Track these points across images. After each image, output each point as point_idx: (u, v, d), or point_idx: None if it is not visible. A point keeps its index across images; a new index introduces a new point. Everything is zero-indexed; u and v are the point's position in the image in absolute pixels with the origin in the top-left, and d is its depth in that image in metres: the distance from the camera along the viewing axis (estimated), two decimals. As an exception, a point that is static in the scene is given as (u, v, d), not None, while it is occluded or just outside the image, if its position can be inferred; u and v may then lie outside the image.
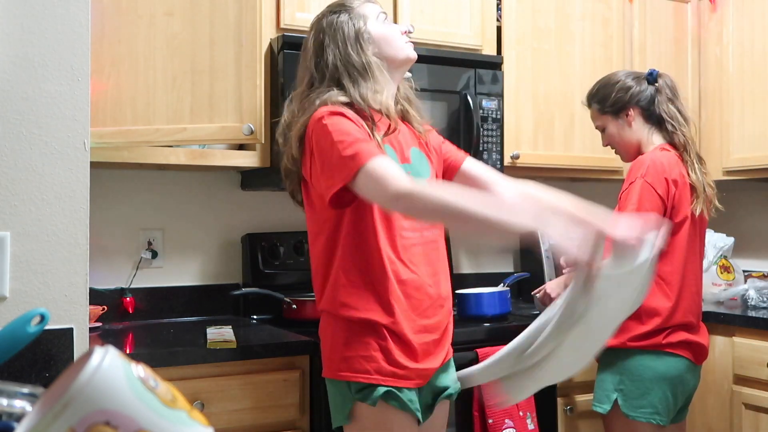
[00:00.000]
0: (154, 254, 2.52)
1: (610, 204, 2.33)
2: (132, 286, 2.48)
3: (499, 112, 2.64)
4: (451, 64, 2.53)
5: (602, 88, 2.31)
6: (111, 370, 0.61)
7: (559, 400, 2.45)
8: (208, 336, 2.06)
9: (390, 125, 1.69)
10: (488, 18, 2.73)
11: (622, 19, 3.01)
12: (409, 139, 1.78)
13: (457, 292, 2.51)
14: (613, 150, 2.36)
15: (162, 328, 2.36)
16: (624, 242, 1.52)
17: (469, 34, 2.68)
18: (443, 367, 1.78)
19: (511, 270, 3.15)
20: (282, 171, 1.76)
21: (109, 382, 0.60)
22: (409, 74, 1.85)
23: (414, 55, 1.78)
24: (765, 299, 2.76)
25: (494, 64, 2.65)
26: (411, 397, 1.68)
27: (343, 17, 1.75)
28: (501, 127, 2.65)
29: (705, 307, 2.29)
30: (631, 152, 2.29)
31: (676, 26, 3.14)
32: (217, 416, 1.90)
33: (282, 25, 2.35)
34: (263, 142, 2.17)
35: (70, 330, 1.35)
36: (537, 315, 2.56)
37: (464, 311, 2.49)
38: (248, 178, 2.60)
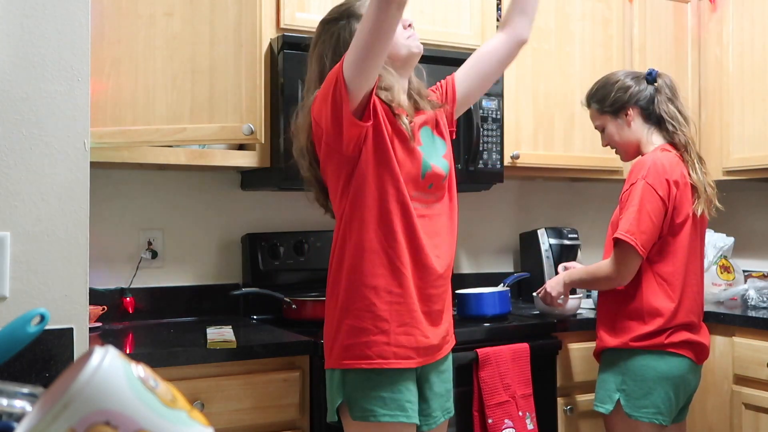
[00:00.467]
0: (154, 254, 2.52)
1: (610, 204, 2.33)
2: (132, 286, 2.48)
3: (499, 112, 2.64)
4: (451, 64, 2.51)
5: (601, 88, 2.31)
6: (111, 370, 0.60)
7: (559, 400, 2.45)
8: (208, 336, 2.06)
9: (406, 114, 1.73)
10: (488, 18, 2.73)
11: (622, 19, 3.01)
12: (419, 121, 1.81)
13: (457, 292, 2.51)
14: (613, 150, 2.36)
15: (162, 328, 2.36)
16: None
17: (469, 34, 2.68)
18: (440, 365, 1.80)
19: (511, 270, 3.15)
20: (304, 180, 1.84)
21: (109, 382, 0.60)
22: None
23: (418, 49, 1.78)
24: (765, 299, 2.76)
25: (494, 64, 2.65)
26: (409, 398, 1.69)
27: (341, 23, 1.76)
28: (501, 127, 2.65)
29: (705, 307, 2.29)
30: (631, 152, 2.29)
31: (676, 26, 3.14)
32: (217, 416, 1.90)
33: (282, 25, 2.35)
34: (263, 142, 2.17)
35: (70, 330, 1.35)
36: (537, 315, 2.58)
37: (464, 311, 2.49)
38: (248, 178, 2.60)
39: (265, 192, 2.67)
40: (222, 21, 1.92)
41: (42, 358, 1.31)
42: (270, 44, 2.33)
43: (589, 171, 2.96)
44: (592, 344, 2.28)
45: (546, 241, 2.94)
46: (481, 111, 2.58)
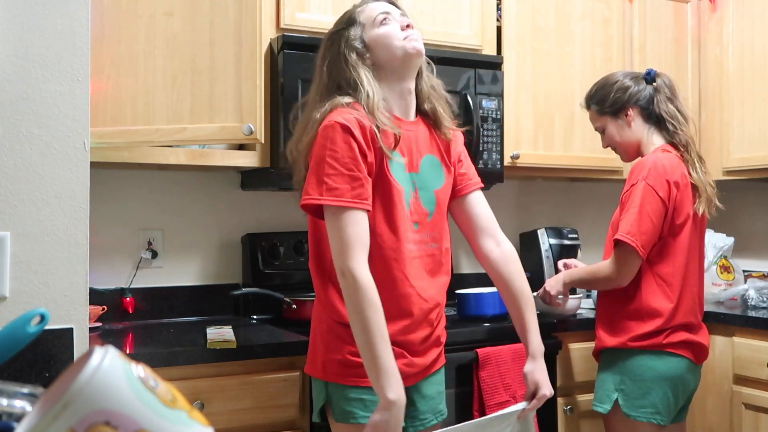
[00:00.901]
0: (154, 254, 2.53)
1: (610, 204, 2.33)
2: (132, 286, 2.48)
3: (499, 112, 2.64)
4: (451, 64, 2.53)
5: (600, 89, 2.31)
6: (111, 370, 0.60)
7: (560, 400, 2.45)
8: (208, 336, 2.06)
9: (395, 135, 1.66)
10: (488, 18, 2.73)
11: (622, 19, 3.01)
12: (424, 145, 1.75)
13: (457, 292, 2.51)
14: (614, 151, 2.36)
15: (162, 328, 2.36)
16: None
17: (469, 34, 2.68)
18: (426, 382, 1.79)
19: (511, 270, 3.14)
20: (295, 185, 1.76)
21: (109, 382, 0.60)
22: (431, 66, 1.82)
23: (414, 49, 1.70)
24: (765, 299, 2.76)
25: (494, 64, 2.65)
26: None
27: (342, 33, 1.73)
28: (501, 127, 2.64)
29: (705, 307, 2.29)
30: (631, 152, 2.29)
31: (676, 26, 3.14)
32: (217, 416, 1.90)
33: (282, 25, 2.35)
34: (263, 142, 2.17)
35: (70, 330, 1.35)
36: (537, 315, 2.57)
37: (464, 311, 2.49)
38: (248, 178, 2.60)
39: (265, 192, 2.67)
40: (222, 21, 1.92)
41: (42, 358, 1.31)
42: (270, 44, 2.33)
43: (589, 171, 2.96)
44: (592, 344, 2.28)
45: (546, 241, 2.94)
46: (481, 111, 2.58)
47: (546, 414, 2.37)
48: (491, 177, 2.65)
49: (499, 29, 2.77)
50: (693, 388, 2.19)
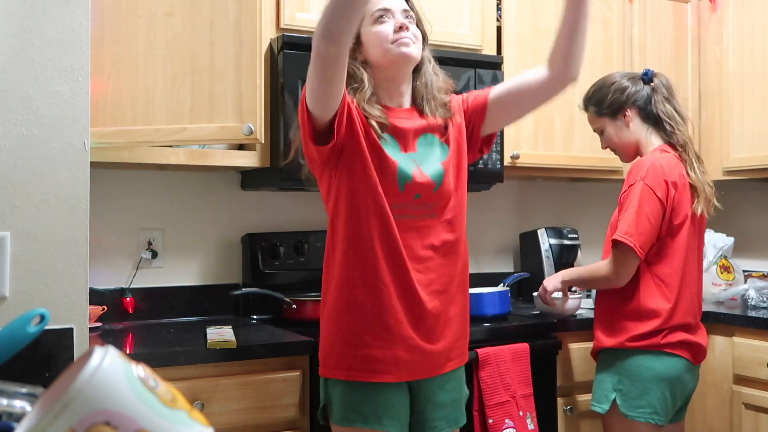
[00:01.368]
0: (154, 254, 2.53)
1: (610, 204, 2.33)
2: (132, 286, 2.48)
3: (499, 112, 2.63)
4: (451, 64, 2.50)
5: (598, 91, 2.31)
6: (111, 370, 0.60)
7: (560, 400, 2.45)
8: (208, 336, 2.06)
9: (382, 124, 1.69)
10: (488, 18, 2.73)
11: (622, 19, 3.01)
12: (418, 127, 1.75)
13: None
14: (613, 152, 2.36)
15: (162, 328, 2.36)
16: None
17: (469, 34, 2.68)
18: (437, 389, 1.74)
19: (511, 270, 3.15)
20: (304, 173, 1.81)
21: (109, 382, 0.60)
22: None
23: (401, 55, 1.69)
24: (765, 299, 2.76)
25: (494, 64, 2.65)
26: (388, 408, 1.66)
27: None
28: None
29: (705, 307, 2.29)
30: (630, 153, 2.29)
31: (676, 26, 3.14)
32: (217, 416, 1.90)
33: (282, 25, 2.35)
34: (263, 142, 2.17)
35: (70, 330, 1.35)
36: (537, 315, 2.58)
37: (464, 311, 2.49)
38: (248, 178, 2.60)
39: (265, 192, 2.67)
40: (222, 21, 1.92)
41: (42, 358, 1.31)
42: (270, 44, 2.33)
43: (589, 171, 2.96)
44: (592, 344, 2.28)
45: (546, 241, 2.94)
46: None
47: (546, 414, 2.37)
48: (491, 177, 2.65)
49: (499, 29, 2.77)
50: (691, 388, 2.19)
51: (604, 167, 2.92)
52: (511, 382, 2.24)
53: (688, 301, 2.15)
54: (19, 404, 0.84)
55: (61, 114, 1.37)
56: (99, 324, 2.31)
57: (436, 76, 1.80)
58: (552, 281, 2.38)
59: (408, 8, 1.74)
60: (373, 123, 1.67)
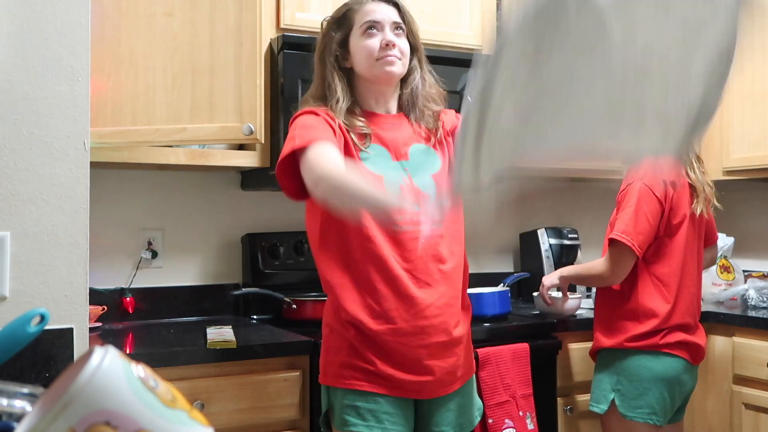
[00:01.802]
0: (154, 254, 2.52)
1: (610, 204, 2.33)
2: (132, 286, 2.48)
3: (499, 112, 2.63)
4: (451, 64, 2.51)
5: None
6: (111, 370, 0.60)
7: (559, 400, 2.45)
8: (208, 336, 2.06)
9: (365, 134, 1.68)
10: (488, 18, 2.73)
11: (622, 19, 3.00)
12: (409, 136, 1.74)
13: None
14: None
15: (162, 328, 2.36)
16: None
17: (469, 34, 2.68)
18: (442, 404, 1.71)
19: (511, 270, 3.15)
20: None
21: (109, 382, 0.60)
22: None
23: (385, 73, 1.69)
24: (765, 299, 2.76)
25: (494, 64, 2.65)
26: (388, 410, 1.63)
27: (329, 32, 1.74)
28: (501, 127, 2.64)
29: (705, 307, 2.29)
30: (631, 153, 2.29)
31: (676, 26, 3.13)
32: (217, 416, 1.90)
33: (282, 25, 2.35)
34: (263, 142, 2.17)
35: (70, 330, 1.35)
36: (537, 315, 2.58)
37: (464, 311, 2.49)
38: (248, 178, 2.60)
39: (265, 192, 2.67)
40: (222, 21, 1.92)
41: (42, 358, 1.31)
42: (270, 44, 2.33)
43: (589, 171, 2.95)
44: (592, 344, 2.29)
45: (546, 241, 2.94)
46: (481, 111, 2.58)
47: (546, 414, 2.37)
48: (491, 177, 2.64)
49: (499, 29, 2.76)
50: (690, 388, 2.19)
51: (604, 167, 2.92)
52: (511, 382, 2.24)
53: (686, 302, 2.15)
54: (19, 404, 0.84)
55: (61, 114, 1.37)
56: (99, 324, 2.31)
57: (423, 82, 1.77)
58: (550, 278, 2.39)
59: (399, 20, 1.72)
60: (353, 136, 1.66)
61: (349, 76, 1.73)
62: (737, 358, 2.58)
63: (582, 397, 2.47)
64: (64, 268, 1.36)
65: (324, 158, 1.51)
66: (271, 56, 2.33)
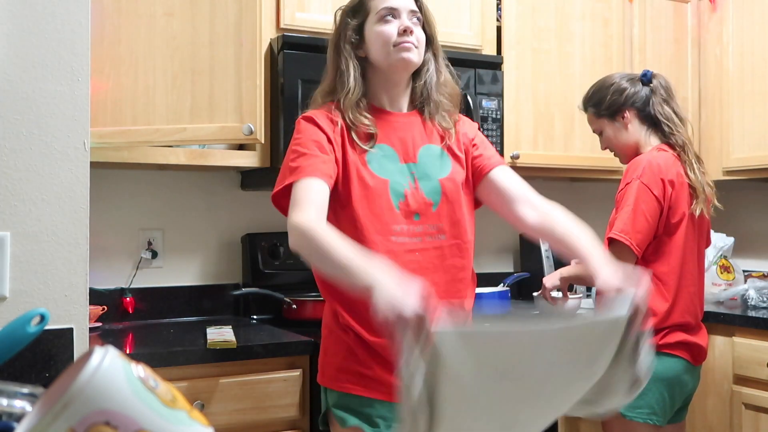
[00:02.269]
0: (154, 254, 2.53)
1: (610, 204, 2.33)
2: (132, 286, 2.48)
3: (499, 112, 2.64)
4: (451, 64, 2.52)
5: (597, 92, 2.31)
6: (111, 370, 0.61)
7: (559, 400, 2.44)
8: (208, 336, 2.06)
9: (370, 133, 1.64)
10: (488, 18, 2.73)
11: (622, 19, 3.01)
12: (420, 136, 1.69)
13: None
14: (612, 153, 2.36)
15: (162, 328, 2.36)
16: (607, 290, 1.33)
17: (469, 34, 2.68)
18: None
19: (511, 270, 3.15)
20: None
21: (109, 382, 0.60)
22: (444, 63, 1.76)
23: (401, 61, 1.65)
24: (765, 299, 2.76)
25: (494, 64, 2.65)
26: (383, 414, 1.60)
27: (345, 19, 1.70)
28: (501, 127, 2.65)
29: (705, 307, 2.29)
30: (629, 154, 2.29)
31: (676, 26, 3.14)
32: (217, 416, 1.90)
33: (282, 25, 2.35)
34: (263, 142, 2.17)
35: (70, 330, 1.35)
36: (537, 315, 2.57)
37: (464, 311, 2.49)
38: (248, 178, 2.60)
39: (265, 192, 2.66)
40: (222, 21, 1.92)
41: (42, 358, 1.31)
42: (270, 44, 2.33)
43: (589, 171, 2.96)
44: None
45: (546, 242, 2.94)
46: (481, 111, 2.58)
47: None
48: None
49: (499, 29, 2.77)
50: (691, 389, 2.19)
51: (604, 167, 2.92)
52: (511, 382, 2.23)
53: (686, 301, 2.15)
54: (19, 404, 0.84)
55: (61, 114, 1.37)
56: (99, 324, 2.31)
57: (438, 75, 1.73)
58: (551, 279, 2.38)
59: (416, 8, 1.69)
60: (355, 136, 1.62)
61: (364, 66, 1.69)
62: (737, 358, 2.58)
63: (582, 397, 2.47)
64: (64, 268, 1.37)
65: (308, 206, 1.50)
66: (271, 56, 2.33)
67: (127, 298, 2.44)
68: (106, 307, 2.33)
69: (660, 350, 2.10)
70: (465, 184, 1.72)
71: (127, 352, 1.94)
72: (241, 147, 2.37)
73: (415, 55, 1.66)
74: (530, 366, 1.14)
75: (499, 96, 2.65)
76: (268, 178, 2.41)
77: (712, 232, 3.01)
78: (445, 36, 2.60)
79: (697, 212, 2.16)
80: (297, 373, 2.03)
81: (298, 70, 2.24)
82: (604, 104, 2.27)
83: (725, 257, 3.04)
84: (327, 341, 1.71)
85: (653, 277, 2.12)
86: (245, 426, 1.97)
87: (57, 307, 1.35)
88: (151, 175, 2.53)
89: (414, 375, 1.07)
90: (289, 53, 2.26)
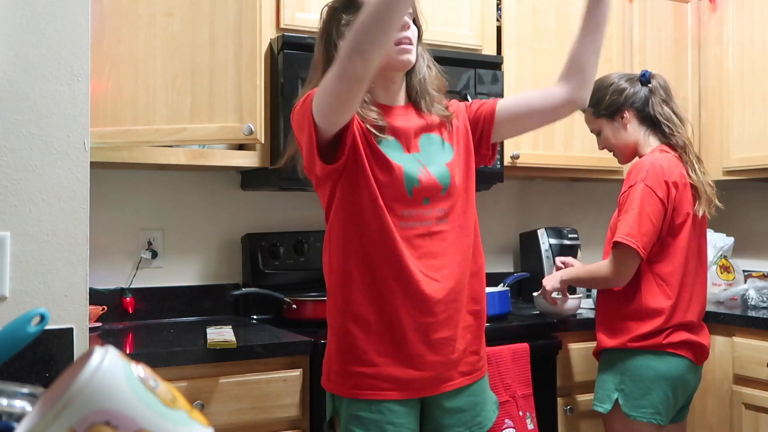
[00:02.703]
0: (154, 254, 2.53)
1: (610, 204, 2.33)
2: (132, 286, 2.48)
3: (499, 112, 2.63)
4: (451, 64, 2.52)
5: (596, 92, 2.29)
6: (111, 370, 0.60)
7: (559, 400, 2.45)
8: (208, 336, 2.06)
9: (377, 124, 1.63)
10: (488, 18, 2.73)
11: (622, 19, 3.01)
12: (418, 127, 1.70)
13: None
14: (610, 153, 2.36)
15: (162, 328, 2.36)
16: None
17: (469, 34, 2.68)
18: (450, 397, 1.67)
19: (511, 270, 3.15)
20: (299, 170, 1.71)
21: (109, 382, 0.60)
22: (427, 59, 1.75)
23: (400, 63, 1.64)
24: (765, 299, 2.76)
25: (494, 64, 2.65)
26: (392, 420, 1.60)
27: (336, 14, 1.67)
28: (501, 127, 2.64)
29: (706, 307, 2.29)
30: (628, 154, 2.29)
31: (676, 26, 3.14)
32: (217, 416, 1.90)
33: (282, 25, 2.35)
34: (263, 142, 2.17)
35: (70, 330, 1.35)
36: (537, 315, 2.58)
37: (464, 311, 2.49)
38: (248, 178, 2.60)
39: (265, 192, 2.67)
40: (222, 21, 1.92)
41: (42, 358, 1.31)
42: (270, 44, 2.33)
43: (589, 171, 2.96)
44: (592, 344, 2.28)
45: (546, 241, 2.94)
46: (481, 111, 2.58)
47: (546, 414, 2.37)
48: (491, 177, 2.65)
49: (499, 29, 2.77)
50: (693, 388, 2.19)
51: (603, 167, 2.92)
52: (511, 382, 2.24)
53: (689, 301, 2.15)
54: (19, 404, 0.84)
55: (61, 114, 1.37)
56: (99, 324, 2.31)
57: (429, 71, 1.75)
58: (551, 281, 2.38)
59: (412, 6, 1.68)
60: (370, 127, 1.62)
61: None
62: (737, 358, 2.58)
63: (582, 397, 2.47)
64: (64, 268, 1.37)
65: None
66: (271, 56, 2.33)
67: (127, 298, 2.45)
68: (106, 307, 2.34)
69: (664, 350, 2.10)
70: (467, 169, 1.75)
71: (127, 352, 1.94)
72: (241, 147, 2.37)
73: (413, 54, 1.67)
74: None
75: (499, 96, 2.64)
76: (268, 178, 2.41)
77: (712, 232, 3.02)
78: (445, 36, 2.61)
79: (700, 213, 2.16)
80: (297, 373, 2.03)
81: (298, 70, 2.24)
82: (603, 104, 2.26)
83: (725, 257, 3.04)
84: (331, 343, 1.68)
85: (657, 277, 2.12)
86: (245, 426, 1.97)
87: (57, 307, 1.35)
88: (151, 175, 2.53)
89: None
90: (289, 53, 2.26)
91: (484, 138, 1.79)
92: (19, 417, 0.82)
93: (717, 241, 3.04)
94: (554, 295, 2.42)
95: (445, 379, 1.65)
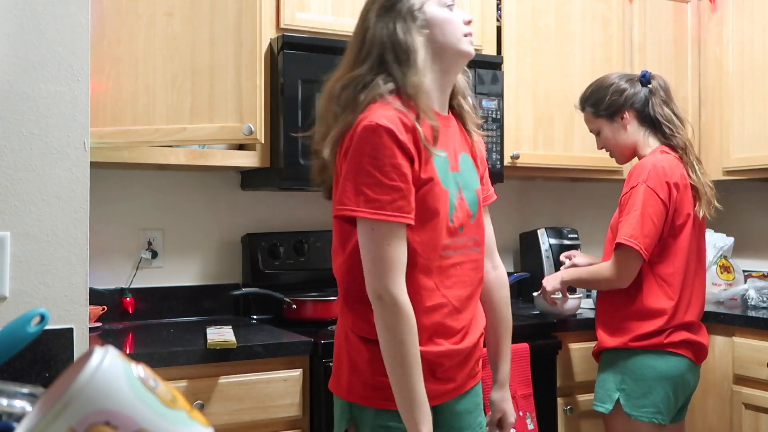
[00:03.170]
0: (154, 254, 2.53)
1: (610, 204, 2.33)
2: (132, 286, 2.48)
3: (499, 112, 2.63)
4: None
5: (595, 92, 2.30)
6: (111, 370, 0.60)
7: (560, 400, 2.45)
8: (208, 336, 2.06)
9: (433, 128, 1.48)
10: (488, 18, 2.73)
11: (622, 19, 3.01)
12: (459, 143, 1.60)
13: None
14: (608, 153, 2.36)
15: (162, 328, 2.36)
16: None
17: (469, 34, 2.68)
18: (460, 400, 1.63)
19: (511, 270, 3.15)
20: (315, 169, 1.60)
21: (109, 382, 0.60)
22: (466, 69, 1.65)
23: (471, 52, 1.54)
24: (765, 299, 2.76)
25: (494, 64, 2.65)
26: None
27: (397, 18, 1.51)
28: (501, 127, 2.65)
29: (705, 307, 2.29)
30: (627, 155, 2.29)
31: (676, 26, 3.14)
32: (217, 416, 1.90)
33: (282, 25, 2.35)
34: (263, 142, 2.17)
35: (70, 330, 1.35)
36: (537, 315, 2.58)
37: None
38: (248, 178, 2.60)
39: (265, 192, 2.67)
40: (222, 21, 1.92)
41: (42, 358, 1.31)
42: (270, 44, 2.33)
43: (589, 171, 2.96)
44: (592, 344, 2.29)
45: (546, 241, 2.94)
46: (481, 111, 2.58)
47: (546, 414, 2.37)
48: (491, 177, 2.64)
49: (499, 29, 2.77)
50: (693, 387, 2.19)
51: (604, 167, 2.92)
52: (511, 382, 2.23)
53: (690, 301, 2.15)
54: (19, 404, 0.84)
55: (61, 114, 1.37)
56: (99, 324, 2.31)
57: (468, 80, 1.66)
58: (551, 281, 2.38)
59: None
60: (424, 137, 1.45)
61: (426, 47, 1.50)
62: (737, 358, 2.58)
63: (582, 397, 2.47)
64: (64, 268, 1.37)
65: (399, 273, 1.43)
66: (271, 56, 2.33)
67: (127, 298, 2.45)
68: (106, 307, 2.34)
69: (665, 349, 2.10)
70: (485, 188, 1.72)
71: (127, 352, 1.94)
72: (241, 147, 2.37)
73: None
74: None
75: (499, 96, 2.64)
76: (268, 178, 2.41)
77: (712, 232, 3.02)
78: (445, 36, 2.61)
79: (701, 214, 2.16)
80: (297, 373, 2.03)
81: (298, 70, 2.24)
82: (603, 104, 2.26)
83: (725, 257, 3.04)
84: (357, 354, 1.55)
85: (658, 278, 2.12)
86: (245, 426, 1.97)
87: (57, 307, 1.35)
88: (151, 175, 2.53)
89: None
90: (289, 53, 2.26)
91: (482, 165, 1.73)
92: (19, 417, 0.82)
93: (717, 241, 3.04)
94: (554, 295, 2.42)
95: (461, 386, 1.64)
